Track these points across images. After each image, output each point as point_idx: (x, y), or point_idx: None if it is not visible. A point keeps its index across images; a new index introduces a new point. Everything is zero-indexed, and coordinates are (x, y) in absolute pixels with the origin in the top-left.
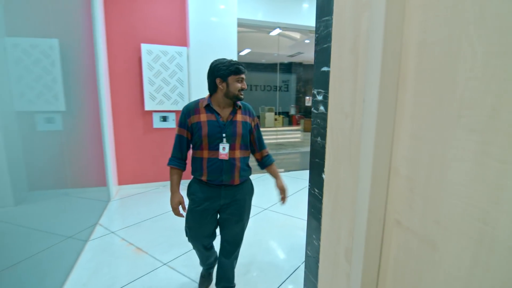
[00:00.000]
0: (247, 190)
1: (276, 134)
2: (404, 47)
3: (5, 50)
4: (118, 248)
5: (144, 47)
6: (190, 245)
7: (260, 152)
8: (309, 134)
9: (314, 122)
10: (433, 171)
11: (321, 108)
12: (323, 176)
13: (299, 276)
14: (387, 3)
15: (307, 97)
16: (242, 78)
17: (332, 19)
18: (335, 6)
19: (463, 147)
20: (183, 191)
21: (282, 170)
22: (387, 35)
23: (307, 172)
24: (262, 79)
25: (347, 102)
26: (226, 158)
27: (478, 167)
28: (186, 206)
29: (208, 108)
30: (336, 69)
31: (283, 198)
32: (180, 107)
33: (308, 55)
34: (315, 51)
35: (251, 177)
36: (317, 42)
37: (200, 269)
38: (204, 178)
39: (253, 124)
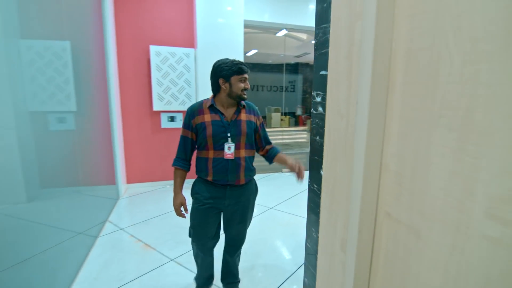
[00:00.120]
0: (252, 190)
1: (282, 135)
2: (393, 53)
3: (19, 52)
4: (127, 244)
5: (153, 48)
6: None
7: (265, 147)
8: None
9: (314, 122)
10: (417, 166)
11: (320, 109)
12: (322, 172)
13: (302, 274)
14: (378, 14)
15: None
16: (245, 78)
17: (329, 26)
18: (332, 14)
19: (443, 144)
20: (187, 190)
21: (288, 170)
22: (377, 42)
23: None
24: (269, 80)
25: (342, 104)
26: (232, 157)
27: (456, 163)
28: (189, 207)
29: (212, 108)
30: (333, 73)
31: (298, 174)
32: (187, 107)
33: None
34: (315, 56)
35: (256, 177)
36: (316, 48)
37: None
38: (209, 178)
39: (258, 123)
